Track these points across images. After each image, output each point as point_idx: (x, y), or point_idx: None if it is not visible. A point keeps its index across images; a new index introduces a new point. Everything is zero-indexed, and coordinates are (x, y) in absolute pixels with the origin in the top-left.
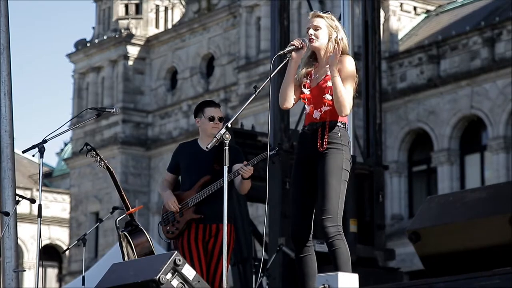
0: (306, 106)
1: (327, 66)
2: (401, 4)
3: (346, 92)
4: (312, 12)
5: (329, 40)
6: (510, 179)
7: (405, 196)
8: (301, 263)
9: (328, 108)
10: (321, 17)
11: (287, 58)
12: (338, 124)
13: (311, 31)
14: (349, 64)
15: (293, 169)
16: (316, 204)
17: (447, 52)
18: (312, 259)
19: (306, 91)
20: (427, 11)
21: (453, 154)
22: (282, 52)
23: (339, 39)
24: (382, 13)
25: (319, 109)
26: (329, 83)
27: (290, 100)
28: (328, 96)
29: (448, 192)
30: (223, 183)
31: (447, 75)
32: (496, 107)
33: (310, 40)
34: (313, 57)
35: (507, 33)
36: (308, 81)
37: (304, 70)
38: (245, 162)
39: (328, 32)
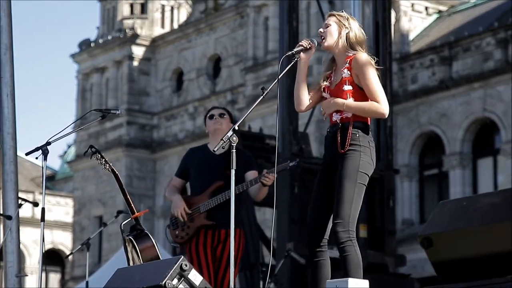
0: None
1: (343, 67)
2: (413, 5)
3: (368, 104)
4: (330, 12)
5: (339, 36)
6: None
7: (416, 201)
8: (314, 267)
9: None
10: (333, 15)
11: (295, 59)
12: (357, 125)
13: (321, 29)
14: (363, 59)
15: (319, 174)
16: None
17: (460, 53)
18: (325, 264)
19: (326, 95)
20: (439, 12)
21: (466, 158)
22: (290, 52)
23: (352, 37)
24: (393, 14)
25: (338, 112)
26: (346, 87)
27: (304, 102)
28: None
29: (460, 197)
30: (239, 190)
31: (460, 77)
32: (509, 110)
33: (320, 38)
34: (334, 59)
35: None
36: (328, 84)
37: (324, 73)
38: (266, 170)
39: (338, 28)
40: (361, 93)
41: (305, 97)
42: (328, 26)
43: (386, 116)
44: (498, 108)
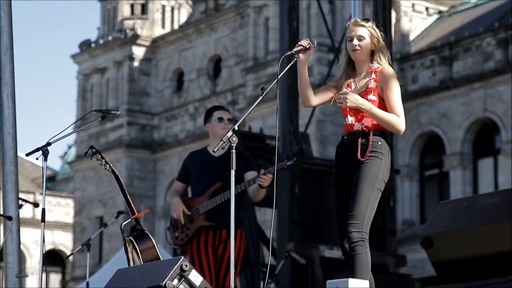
0: (348, 117)
1: (368, 78)
2: (413, 5)
3: (390, 116)
4: (353, 21)
5: (371, 50)
6: None
7: (417, 201)
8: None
9: (370, 120)
10: (364, 26)
11: (295, 59)
12: (378, 133)
13: (356, 42)
14: (389, 72)
15: (333, 178)
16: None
17: (460, 53)
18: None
19: (341, 105)
20: (440, 12)
21: (466, 158)
22: (289, 52)
23: (379, 48)
24: (393, 14)
25: (361, 122)
26: (370, 96)
27: (310, 99)
28: (344, 91)
29: (460, 197)
30: (238, 190)
31: (460, 77)
32: (510, 110)
33: (355, 51)
34: (351, 66)
35: None
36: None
37: (343, 81)
38: (263, 171)
39: (371, 42)
40: (384, 106)
41: (310, 93)
42: (362, 39)
43: (401, 133)
44: (498, 108)
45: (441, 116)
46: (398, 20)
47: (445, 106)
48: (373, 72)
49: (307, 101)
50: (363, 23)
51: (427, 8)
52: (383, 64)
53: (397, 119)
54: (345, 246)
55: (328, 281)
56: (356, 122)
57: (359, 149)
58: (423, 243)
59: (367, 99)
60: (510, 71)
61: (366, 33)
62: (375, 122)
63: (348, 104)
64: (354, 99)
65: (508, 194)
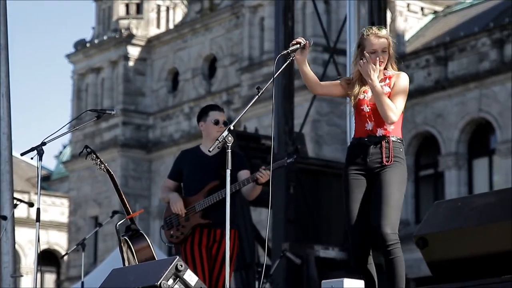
0: (368, 122)
1: (383, 84)
2: (408, 5)
3: (389, 102)
4: (374, 32)
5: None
6: None
7: (412, 201)
8: (368, 274)
9: (390, 126)
10: (385, 38)
11: (291, 58)
12: (398, 139)
13: (380, 56)
14: (404, 79)
15: (345, 179)
16: (373, 212)
17: (455, 53)
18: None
19: (367, 109)
20: (435, 12)
21: (461, 158)
22: (285, 52)
23: (391, 55)
24: (388, 14)
25: (382, 127)
26: None
27: (315, 87)
28: None
29: (455, 197)
30: (233, 189)
31: (455, 77)
32: (505, 110)
33: (380, 65)
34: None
35: None
36: (365, 97)
37: (358, 88)
38: (263, 167)
39: (389, 52)
40: (394, 102)
41: (317, 82)
42: (384, 51)
43: (387, 122)
44: (493, 109)
45: (436, 116)
46: (393, 20)
47: (440, 106)
48: (388, 78)
49: (313, 88)
50: (383, 34)
51: (422, 8)
52: (398, 71)
53: (393, 106)
54: (359, 245)
55: (323, 281)
56: (378, 129)
57: (384, 153)
58: (418, 243)
59: None
60: (505, 71)
61: (386, 44)
62: (393, 127)
63: (363, 70)
64: (371, 72)
65: (503, 194)
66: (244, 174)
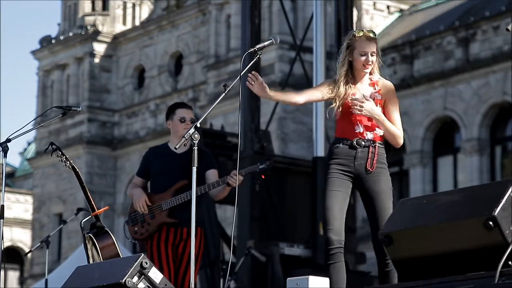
0: (358, 125)
1: (372, 89)
2: (374, 3)
3: (396, 129)
4: (365, 34)
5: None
6: (483, 182)
7: None
8: (335, 268)
9: (379, 131)
10: (374, 41)
11: (258, 56)
12: (383, 145)
13: (370, 58)
14: (394, 91)
15: (330, 178)
16: (372, 227)
17: (421, 52)
18: (343, 265)
19: (358, 112)
20: (401, 10)
21: (426, 156)
22: (252, 49)
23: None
24: (355, 12)
25: (372, 132)
26: (377, 108)
27: (295, 101)
28: (359, 98)
29: (420, 195)
30: (202, 191)
31: (421, 75)
32: (470, 109)
33: (368, 67)
34: (350, 75)
35: (481, 33)
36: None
37: (344, 91)
38: (234, 171)
39: (377, 55)
40: (391, 115)
41: (293, 97)
42: (373, 55)
43: (396, 147)
44: (458, 107)
45: (402, 114)
46: (359, 19)
47: (405, 104)
48: (375, 84)
49: (295, 102)
50: (374, 37)
51: (388, 7)
52: (381, 76)
53: (400, 133)
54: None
55: (288, 278)
56: (368, 132)
57: (369, 158)
58: (384, 240)
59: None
60: (470, 70)
61: (375, 48)
62: (382, 134)
63: (363, 113)
64: (370, 108)
65: (468, 192)
66: (212, 173)
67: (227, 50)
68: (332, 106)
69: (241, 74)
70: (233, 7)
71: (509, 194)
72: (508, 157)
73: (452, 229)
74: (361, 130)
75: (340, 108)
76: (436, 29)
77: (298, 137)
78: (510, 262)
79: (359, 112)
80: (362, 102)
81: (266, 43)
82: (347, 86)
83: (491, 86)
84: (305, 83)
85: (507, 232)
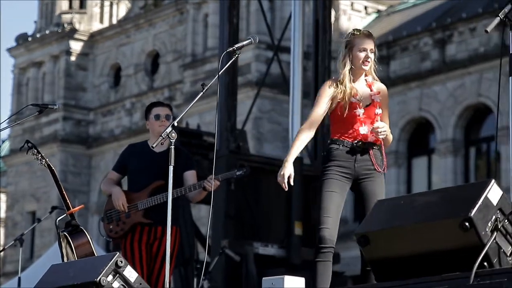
0: (363, 125)
1: (371, 91)
2: (352, 4)
3: (391, 137)
4: (364, 32)
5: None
6: (457, 183)
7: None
8: (322, 267)
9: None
10: (373, 39)
11: (236, 55)
12: (380, 147)
13: (370, 55)
14: (387, 93)
15: (329, 179)
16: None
17: (397, 53)
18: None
19: (360, 113)
20: (378, 11)
21: (401, 157)
22: (230, 49)
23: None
24: (332, 12)
25: (373, 134)
26: (378, 110)
27: (316, 127)
28: (379, 124)
29: (394, 196)
30: (179, 193)
31: (397, 76)
32: (445, 110)
33: (367, 64)
34: (350, 74)
35: (458, 34)
36: (357, 101)
37: (348, 90)
38: (211, 176)
39: (374, 56)
40: (384, 119)
41: (313, 129)
42: (372, 52)
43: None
44: (433, 108)
45: None
46: (337, 19)
47: None
48: (371, 86)
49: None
50: (372, 35)
51: (365, 7)
52: (377, 79)
53: (391, 137)
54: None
55: (263, 278)
56: (371, 134)
57: (373, 159)
58: (360, 240)
59: (375, 112)
60: (446, 71)
61: (373, 45)
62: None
63: (382, 136)
64: (385, 132)
65: (444, 193)
66: (190, 175)
67: (204, 49)
68: (333, 106)
69: (219, 73)
70: (211, 6)
71: (485, 196)
72: (482, 158)
73: (429, 230)
74: (365, 131)
75: (343, 109)
76: (413, 30)
77: (274, 137)
78: (485, 263)
79: (382, 137)
80: (383, 127)
81: (245, 42)
82: (351, 85)
83: (466, 88)
84: (282, 83)
85: (483, 233)
